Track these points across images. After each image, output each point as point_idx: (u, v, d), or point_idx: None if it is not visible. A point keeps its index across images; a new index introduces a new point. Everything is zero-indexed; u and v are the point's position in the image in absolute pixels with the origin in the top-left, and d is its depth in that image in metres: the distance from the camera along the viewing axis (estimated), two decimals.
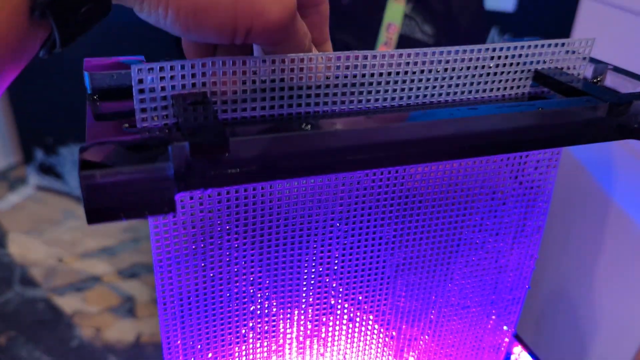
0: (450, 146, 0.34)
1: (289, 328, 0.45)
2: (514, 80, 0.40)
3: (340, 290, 0.45)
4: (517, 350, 0.56)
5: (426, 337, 0.50)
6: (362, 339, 0.48)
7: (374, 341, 0.49)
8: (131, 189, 0.28)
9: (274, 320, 0.45)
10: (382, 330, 0.48)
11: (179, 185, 0.30)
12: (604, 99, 0.37)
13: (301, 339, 0.46)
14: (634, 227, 0.66)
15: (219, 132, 0.31)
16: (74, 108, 1.42)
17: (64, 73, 1.38)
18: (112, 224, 1.30)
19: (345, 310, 0.46)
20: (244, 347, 0.45)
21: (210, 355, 0.44)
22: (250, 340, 0.45)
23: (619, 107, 0.37)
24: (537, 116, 0.35)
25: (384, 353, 0.50)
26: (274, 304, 0.44)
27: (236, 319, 0.43)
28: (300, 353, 0.47)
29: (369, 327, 0.48)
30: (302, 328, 0.46)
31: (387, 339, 0.49)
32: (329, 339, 0.47)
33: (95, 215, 0.28)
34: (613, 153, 0.67)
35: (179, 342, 0.42)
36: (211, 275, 0.41)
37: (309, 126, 0.32)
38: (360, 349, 0.49)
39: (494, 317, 0.50)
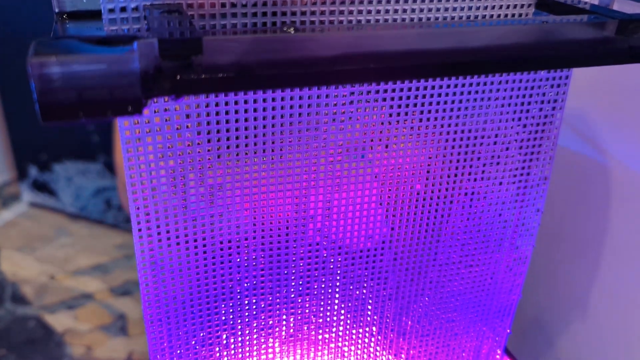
0: (445, 60, 0.31)
1: (279, 284, 0.42)
2: (515, 6, 0.37)
3: (333, 242, 0.41)
4: None
5: (426, 298, 0.46)
6: (357, 297, 0.44)
7: (370, 301, 0.45)
8: (90, 82, 0.25)
9: (262, 275, 0.41)
10: (378, 289, 0.44)
11: (147, 90, 0.27)
12: (613, 16, 0.33)
13: (292, 296, 0.42)
14: (630, 231, 0.62)
15: (191, 30, 0.28)
16: (68, 125, 1.40)
17: None
18: (105, 240, 1.27)
19: (339, 264, 0.42)
20: (230, 304, 0.41)
21: (193, 309, 0.40)
22: (238, 297, 0.41)
23: (629, 24, 0.33)
24: (540, 30, 0.32)
25: (382, 315, 0.46)
26: (262, 255, 0.40)
27: (221, 271, 0.40)
28: (292, 313, 0.43)
29: (364, 285, 0.44)
30: (292, 284, 0.42)
31: (384, 299, 0.45)
32: (322, 297, 0.43)
33: (50, 112, 0.25)
34: (607, 161, 0.64)
35: (158, 287, 0.39)
36: (193, 219, 0.37)
37: (292, 29, 0.29)
38: (357, 309, 0.45)
39: (499, 278, 0.47)
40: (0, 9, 1.25)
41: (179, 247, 0.38)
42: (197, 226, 0.38)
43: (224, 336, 0.42)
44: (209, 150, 0.36)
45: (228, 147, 0.36)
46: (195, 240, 0.38)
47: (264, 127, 0.36)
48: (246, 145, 0.36)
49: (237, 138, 0.36)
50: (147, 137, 0.34)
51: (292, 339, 0.44)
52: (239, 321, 0.42)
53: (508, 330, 0.50)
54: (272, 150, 0.37)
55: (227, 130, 0.35)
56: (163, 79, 0.27)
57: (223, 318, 0.41)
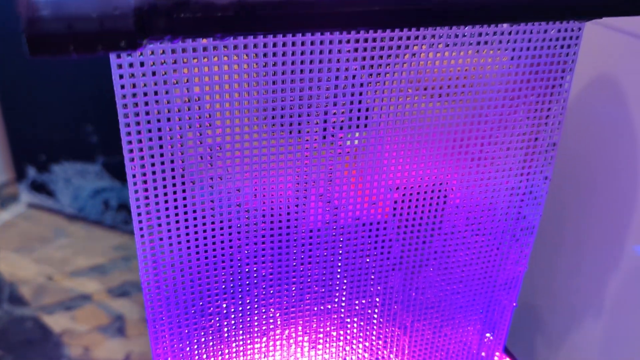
0: (453, 5, 0.29)
1: (279, 252, 0.40)
2: None
3: (336, 208, 0.40)
4: None
5: (431, 269, 0.44)
6: (360, 266, 0.43)
7: (373, 270, 0.43)
8: (81, 11, 0.23)
9: (262, 242, 0.39)
10: (382, 258, 0.43)
11: (141, 27, 0.25)
12: None
13: (294, 264, 0.41)
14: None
15: None
16: (67, 125, 1.39)
17: (57, 90, 1.35)
18: (103, 242, 1.25)
19: (342, 232, 0.40)
20: (230, 271, 0.39)
21: (192, 276, 0.38)
22: (238, 264, 0.39)
23: None
24: None
25: (385, 285, 0.44)
26: (263, 220, 0.38)
27: (221, 237, 0.38)
28: (293, 282, 0.41)
29: (368, 254, 0.42)
30: (294, 251, 0.40)
31: (387, 269, 0.43)
32: (324, 265, 0.41)
33: (38, 45, 0.23)
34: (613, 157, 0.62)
35: (155, 253, 0.37)
36: (191, 181, 0.36)
37: None
38: (360, 279, 0.43)
39: (505, 248, 0.45)
40: None
41: (177, 211, 0.36)
42: (195, 189, 0.36)
43: (224, 305, 0.40)
44: (207, 108, 0.34)
45: (228, 105, 0.34)
46: (194, 204, 0.36)
47: (265, 83, 0.34)
48: (247, 103, 0.34)
49: (237, 95, 0.34)
50: (143, 91, 0.32)
51: (294, 308, 0.42)
52: (240, 290, 0.40)
53: (514, 304, 0.48)
54: (273, 109, 0.35)
55: (227, 87, 0.34)
56: (158, 17, 0.26)
57: (223, 286, 0.40)
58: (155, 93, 0.32)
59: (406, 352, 0.47)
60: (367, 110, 0.37)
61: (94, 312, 1.28)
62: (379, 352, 0.46)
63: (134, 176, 0.35)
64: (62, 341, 1.19)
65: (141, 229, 0.36)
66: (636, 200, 0.56)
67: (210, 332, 0.41)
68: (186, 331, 0.40)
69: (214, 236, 0.38)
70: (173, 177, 0.35)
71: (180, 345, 0.41)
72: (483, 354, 0.49)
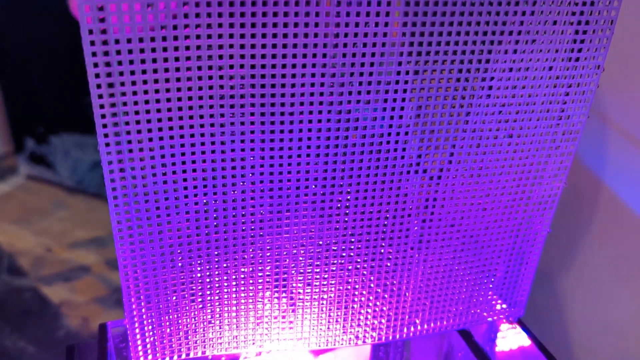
0: None
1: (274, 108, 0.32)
2: None
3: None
4: (505, 327, 0.44)
5: (453, 175, 0.36)
6: (371, 165, 0.34)
7: (386, 164, 0.34)
8: None
9: (251, 95, 0.31)
10: (397, 156, 0.34)
11: None
12: None
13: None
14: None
15: None
16: (65, 97, 1.35)
17: (55, 62, 1.30)
18: (102, 214, 1.19)
19: (348, 105, 0.32)
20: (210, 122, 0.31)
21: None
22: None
23: None
24: None
25: (399, 192, 0.35)
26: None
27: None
28: (289, 162, 0.33)
29: (379, 148, 0.34)
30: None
31: (404, 170, 0.35)
32: (327, 157, 0.33)
33: None
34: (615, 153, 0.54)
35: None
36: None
37: None
38: (369, 180, 0.35)
39: (544, 154, 0.36)
40: None
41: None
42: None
43: (202, 178, 0.32)
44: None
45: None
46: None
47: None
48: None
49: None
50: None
51: (288, 213, 0.34)
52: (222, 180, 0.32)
53: (548, 230, 0.40)
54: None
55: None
56: None
57: (200, 140, 0.31)
58: None
59: (419, 278, 0.38)
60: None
61: (92, 284, 1.24)
62: (387, 275, 0.38)
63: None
64: (61, 312, 1.14)
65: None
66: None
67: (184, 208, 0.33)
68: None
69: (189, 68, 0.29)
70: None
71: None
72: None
